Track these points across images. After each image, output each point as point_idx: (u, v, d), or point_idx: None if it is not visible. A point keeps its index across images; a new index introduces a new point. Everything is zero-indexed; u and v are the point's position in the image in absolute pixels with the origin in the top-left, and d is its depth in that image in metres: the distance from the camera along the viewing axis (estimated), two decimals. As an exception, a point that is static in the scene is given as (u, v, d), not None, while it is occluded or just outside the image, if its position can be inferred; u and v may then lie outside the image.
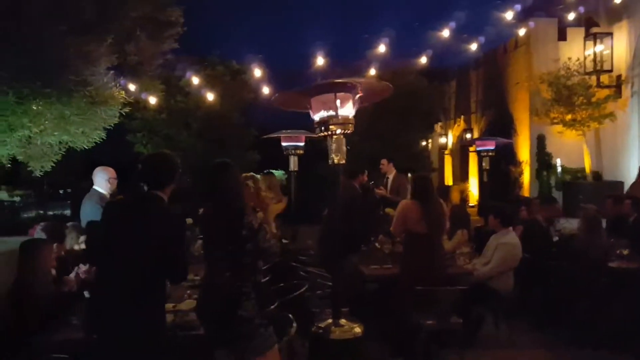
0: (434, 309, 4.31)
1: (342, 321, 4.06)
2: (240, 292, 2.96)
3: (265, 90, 9.48)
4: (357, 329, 4.03)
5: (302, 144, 7.28)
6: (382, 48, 8.85)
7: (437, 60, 11.78)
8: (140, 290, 2.59)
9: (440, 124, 18.12)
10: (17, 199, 13.62)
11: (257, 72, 9.45)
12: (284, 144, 7.30)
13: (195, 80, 10.47)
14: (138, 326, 2.55)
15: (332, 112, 3.75)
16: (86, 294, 3.88)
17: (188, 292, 3.91)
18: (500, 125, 13.11)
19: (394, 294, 4.62)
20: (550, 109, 11.22)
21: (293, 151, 7.29)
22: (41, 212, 12.75)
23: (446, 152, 18.73)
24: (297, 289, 4.37)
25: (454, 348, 4.48)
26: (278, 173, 19.54)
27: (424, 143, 17.11)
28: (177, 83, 11.43)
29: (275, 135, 7.40)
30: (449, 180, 18.16)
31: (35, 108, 5.67)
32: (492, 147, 8.54)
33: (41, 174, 6.94)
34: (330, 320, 4.09)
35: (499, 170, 11.63)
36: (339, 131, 3.82)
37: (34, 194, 14.47)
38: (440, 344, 4.51)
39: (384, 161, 8.00)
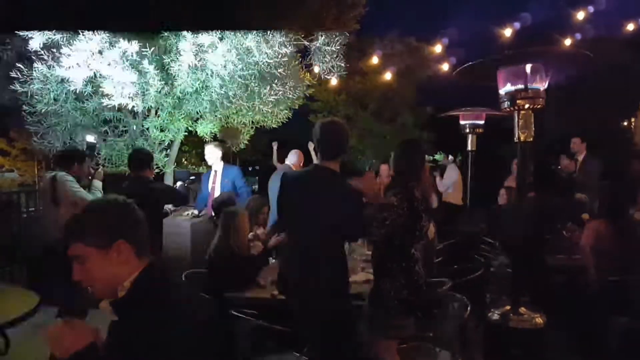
0: (632, 305, 3.82)
1: (522, 309, 3.84)
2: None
3: (445, 66, 9.14)
4: (539, 320, 3.78)
5: (482, 122, 6.92)
6: (580, 15, 7.83)
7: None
8: (321, 256, 2.73)
9: (647, 101, 15.62)
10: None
11: (438, 48, 9.15)
12: (462, 122, 7.02)
13: (374, 60, 10.58)
14: (323, 289, 2.71)
15: (520, 85, 3.49)
16: (270, 259, 4.29)
17: (362, 265, 4.05)
18: None
19: (584, 286, 4.19)
20: None
21: (472, 129, 6.97)
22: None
23: (655, 134, 16.09)
24: (473, 273, 4.22)
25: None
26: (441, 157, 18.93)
27: (624, 123, 14.94)
28: (356, 64, 11.67)
29: (453, 112, 7.15)
30: (657, 166, 15.58)
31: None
32: None
33: (236, 151, 7.79)
34: (508, 307, 3.89)
35: None
36: (527, 106, 3.54)
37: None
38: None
39: (576, 140, 7.16)
